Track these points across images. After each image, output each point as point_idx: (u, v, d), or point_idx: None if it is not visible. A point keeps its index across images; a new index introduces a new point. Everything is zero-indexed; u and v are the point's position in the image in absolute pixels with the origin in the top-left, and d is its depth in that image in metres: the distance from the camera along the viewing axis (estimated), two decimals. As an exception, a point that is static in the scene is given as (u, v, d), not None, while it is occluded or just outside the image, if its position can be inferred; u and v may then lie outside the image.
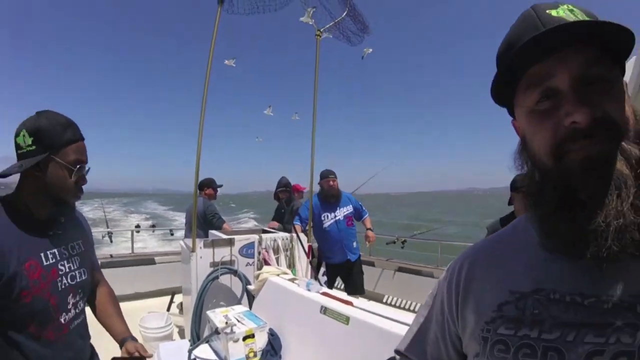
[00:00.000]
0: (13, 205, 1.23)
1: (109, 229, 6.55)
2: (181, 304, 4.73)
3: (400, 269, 5.46)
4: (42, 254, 1.23)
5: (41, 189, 1.24)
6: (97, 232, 7.91)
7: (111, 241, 6.11)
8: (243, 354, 2.42)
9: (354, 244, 4.32)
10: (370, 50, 4.49)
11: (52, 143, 1.21)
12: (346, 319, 2.17)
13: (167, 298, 5.30)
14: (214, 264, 3.01)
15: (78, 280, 1.35)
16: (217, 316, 2.61)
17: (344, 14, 4.07)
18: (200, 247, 2.95)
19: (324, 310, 2.32)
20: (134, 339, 1.47)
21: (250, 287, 3.01)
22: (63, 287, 1.28)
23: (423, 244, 6.05)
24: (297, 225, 4.12)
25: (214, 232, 3.50)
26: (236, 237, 3.14)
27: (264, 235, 3.29)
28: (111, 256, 5.54)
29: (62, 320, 1.28)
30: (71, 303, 1.32)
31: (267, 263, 3.18)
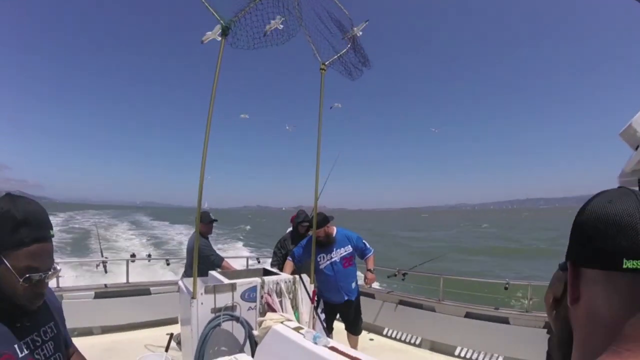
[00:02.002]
0: None
1: (103, 258, 6.34)
2: (171, 338, 4.60)
3: (402, 302, 5.38)
4: (15, 345, 1.15)
5: None
6: (92, 260, 7.73)
7: (105, 271, 5.95)
8: (248, 410, 2.34)
9: (353, 284, 4.17)
10: (339, 105, 5.06)
11: (1, 243, 1.08)
12: None
13: (163, 329, 5.16)
14: (215, 310, 2.91)
15: None
16: (220, 369, 2.51)
17: (348, 46, 4.07)
18: (202, 293, 2.85)
19: None
20: None
21: (254, 333, 2.92)
22: None
23: (424, 278, 5.97)
24: (289, 262, 4.02)
25: (214, 274, 3.39)
26: (238, 281, 3.04)
27: (266, 279, 3.19)
28: (105, 286, 5.36)
29: None
30: None
31: (270, 307, 3.09)
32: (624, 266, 0.57)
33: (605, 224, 0.60)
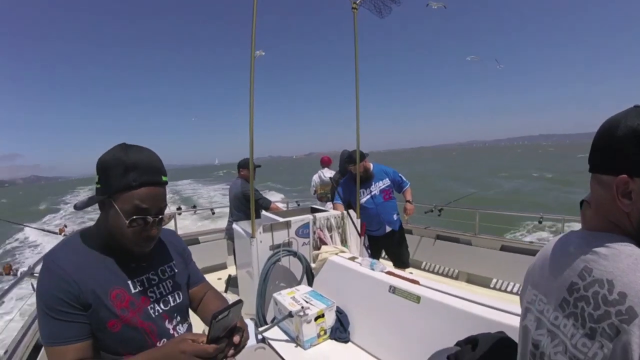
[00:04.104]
0: (93, 238, 1.20)
1: None
2: (228, 281, 4.89)
3: (439, 237, 5.54)
4: (129, 282, 1.19)
5: (109, 228, 1.17)
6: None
7: None
8: (315, 333, 2.56)
9: (394, 216, 4.36)
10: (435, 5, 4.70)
11: (111, 186, 1.11)
12: (417, 298, 2.26)
13: (214, 275, 5.49)
14: (273, 247, 3.10)
15: (172, 304, 1.29)
16: (285, 299, 2.72)
17: None
18: (260, 232, 3.03)
19: (393, 289, 2.41)
20: None
21: (311, 266, 3.12)
22: (156, 313, 1.23)
23: (460, 212, 6.07)
24: (338, 204, 4.17)
25: (267, 215, 3.58)
26: (292, 219, 3.22)
27: (317, 215, 3.36)
28: None
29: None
30: (171, 328, 1.26)
31: (322, 242, 3.27)
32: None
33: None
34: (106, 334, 1.11)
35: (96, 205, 1.19)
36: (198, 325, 1.43)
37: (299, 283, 3.16)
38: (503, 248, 4.89)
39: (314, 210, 3.75)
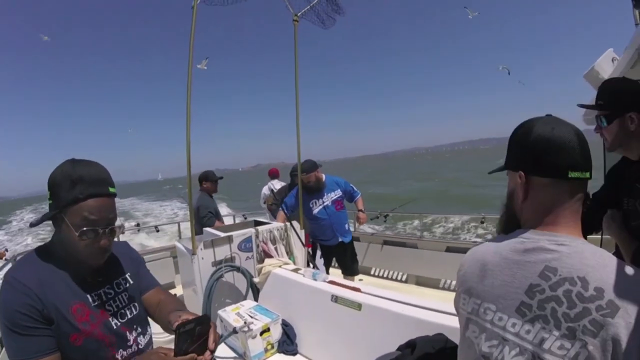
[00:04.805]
0: (49, 253, 1.21)
1: None
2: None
3: (386, 242, 5.64)
4: (88, 296, 1.22)
5: (62, 243, 1.19)
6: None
7: None
8: (262, 347, 2.52)
9: (346, 226, 4.41)
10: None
11: (60, 200, 1.14)
12: (358, 306, 2.29)
13: None
14: (215, 263, 3.05)
15: (129, 317, 1.31)
16: (229, 315, 2.68)
17: None
18: (201, 249, 2.97)
19: (335, 298, 2.44)
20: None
21: (255, 280, 3.08)
22: (115, 326, 1.25)
23: (404, 217, 6.23)
24: (281, 213, 4.15)
25: (209, 231, 3.51)
26: (234, 233, 3.18)
27: (259, 228, 3.34)
28: None
29: (120, 358, 1.25)
30: (131, 340, 1.29)
31: (267, 254, 3.25)
32: (569, 176, 0.85)
33: (555, 144, 0.86)
34: (69, 347, 1.13)
35: (41, 225, 1.23)
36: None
37: (245, 298, 3.12)
38: (448, 249, 5.05)
39: (257, 224, 3.73)
